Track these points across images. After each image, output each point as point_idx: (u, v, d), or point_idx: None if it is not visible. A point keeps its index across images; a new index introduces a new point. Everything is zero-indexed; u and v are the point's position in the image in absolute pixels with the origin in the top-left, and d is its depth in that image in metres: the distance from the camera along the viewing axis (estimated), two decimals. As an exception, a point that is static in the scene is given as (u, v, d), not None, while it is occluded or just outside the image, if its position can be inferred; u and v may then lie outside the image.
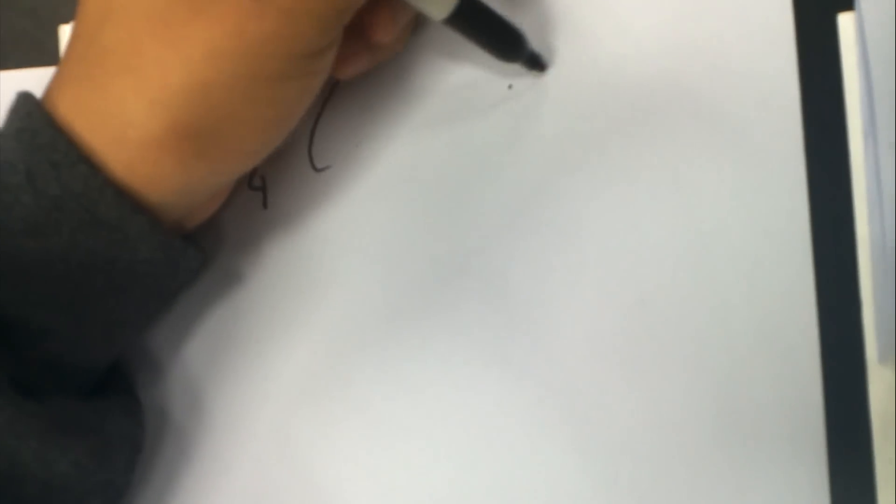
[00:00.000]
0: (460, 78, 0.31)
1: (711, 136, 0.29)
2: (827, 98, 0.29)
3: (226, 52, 0.24)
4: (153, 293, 0.28)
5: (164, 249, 0.27)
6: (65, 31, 0.33)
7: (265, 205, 0.32)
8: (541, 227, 0.30)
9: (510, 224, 0.30)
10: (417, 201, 0.31)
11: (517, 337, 0.30)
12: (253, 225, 0.32)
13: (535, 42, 0.30)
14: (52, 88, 0.26)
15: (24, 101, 0.26)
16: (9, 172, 0.25)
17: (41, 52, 0.34)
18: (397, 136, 0.31)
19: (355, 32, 0.27)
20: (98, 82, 0.25)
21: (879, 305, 0.28)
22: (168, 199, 0.26)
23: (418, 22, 0.31)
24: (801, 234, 0.29)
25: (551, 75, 0.31)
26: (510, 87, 0.31)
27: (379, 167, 0.31)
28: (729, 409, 0.28)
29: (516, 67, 0.30)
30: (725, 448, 0.28)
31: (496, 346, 0.30)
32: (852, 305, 0.29)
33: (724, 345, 0.28)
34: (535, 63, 0.30)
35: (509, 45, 0.30)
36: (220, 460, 0.31)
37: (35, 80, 0.32)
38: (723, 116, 0.29)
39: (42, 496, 0.25)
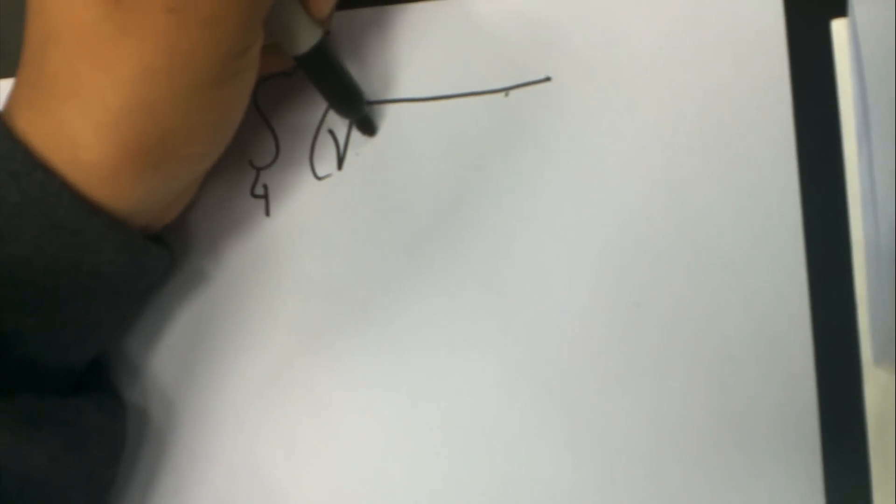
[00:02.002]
0: (456, 86, 0.32)
1: (705, 141, 0.30)
2: (820, 102, 0.30)
3: (158, 67, 0.25)
4: (122, 294, 0.29)
5: (127, 250, 0.27)
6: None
7: (268, 213, 0.32)
8: (537, 230, 0.30)
9: (506, 227, 0.30)
10: (416, 208, 0.31)
11: (513, 339, 0.30)
12: (256, 232, 0.33)
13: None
14: (8, 109, 0.27)
15: None
16: None
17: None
18: (393, 145, 0.32)
19: None
20: (47, 109, 0.26)
21: (874, 307, 0.28)
22: (130, 208, 0.27)
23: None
24: (795, 236, 0.29)
25: (548, 84, 0.31)
26: (506, 94, 0.31)
27: (377, 176, 0.32)
28: (723, 410, 0.28)
29: (513, 75, 0.31)
30: (720, 448, 0.28)
31: (493, 347, 0.30)
32: (847, 307, 0.29)
33: (718, 347, 0.29)
34: (366, 125, 0.32)
35: (347, 102, 0.31)
36: (195, 459, 0.31)
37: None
38: (716, 121, 0.30)
39: (22, 490, 0.26)
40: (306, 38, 0.29)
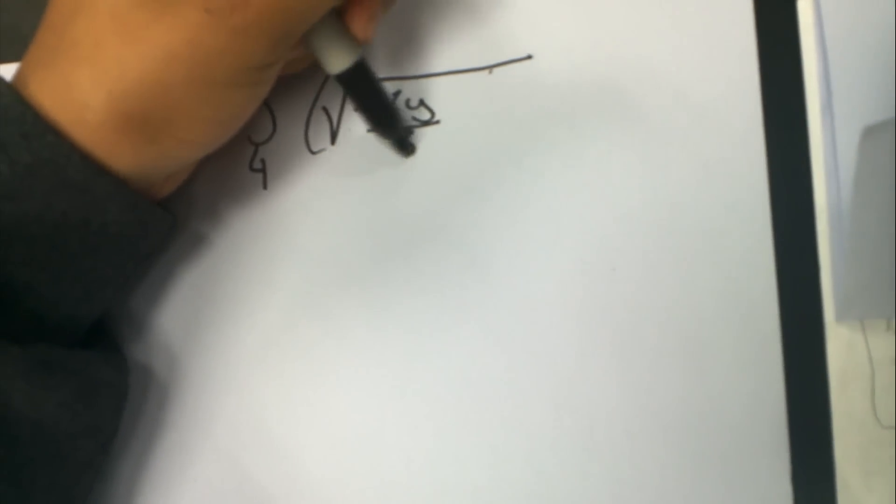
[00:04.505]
0: (443, 64, 0.33)
1: (678, 113, 0.31)
2: (786, 77, 0.31)
3: (181, 56, 0.26)
4: (127, 254, 0.30)
5: (132, 210, 0.29)
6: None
7: (265, 186, 0.34)
8: (518, 199, 0.32)
9: (489, 197, 0.32)
10: (404, 180, 0.33)
11: (496, 302, 0.31)
12: (255, 203, 0.34)
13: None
14: (22, 70, 0.29)
15: None
16: None
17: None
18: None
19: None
20: (62, 70, 0.27)
21: (836, 269, 0.30)
22: (127, 172, 0.28)
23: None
24: (762, 202, 0.31)
25: (530, 64, 0.33)
26: (490, 72, 0.33)
27: (369, 150, 0.34)
28: (695, 368, 0.30)
29: (496, 53, 0.33)
30: (692, 400, 0.30)
31: (477, 309, 0.32)
32: (811, 269, 0.30)
33: (689, 308, 0.30)
34: (403, 146, 0.33)
35: (383, 121, 0.31)
36: (197, 416, 0.33)
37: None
38: (688, 95, 0.31)
39: (34, 437, 0.27)
40: (346, 57, 0.29)
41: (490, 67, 0.33)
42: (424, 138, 0.33)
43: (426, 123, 0.33)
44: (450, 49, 0.32)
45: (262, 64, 0.27)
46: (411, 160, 0.33)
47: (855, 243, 0.28)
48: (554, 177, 0.32)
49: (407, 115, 0.33)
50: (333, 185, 0.33)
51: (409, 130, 0.33)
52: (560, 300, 0.31)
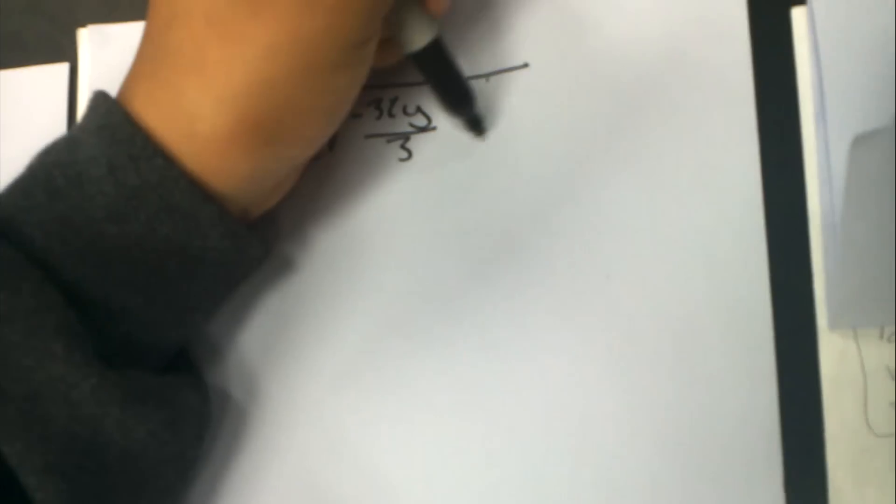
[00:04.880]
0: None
1: (673, 123, 0.32)
2: (781, 84, 0.32)
3: (283, 47, 0.26)
4: (220, 280, 0.30)
5: (231, 238, 0.28)
6: (82, 35, 0.36)
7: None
8: (512, 204, 0.32)
9: (484, 203, 0.32)
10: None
11: (492, 310, 0.32)
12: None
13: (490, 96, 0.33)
14: (126, 86, 0.28)
15: (103, 100, 0.28)
16: (93, 166, 0.27)
17: (60, 53, 0.37)
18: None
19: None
20: (167, 81, 0.27)
21: (829, 277, 0.30)
22: (235, 187, 0.28)
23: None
24: (756, 210, 0.31)
25: (528, 72, 0.33)
26: (487, 80, 0.33)
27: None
28: (689, 375, 0.30)
29: (494, 61, 0.33)
30: (685, 406, 0.30)
31: (472, 318, 0.32)
32: (804, 277, 0.31)
33: (684, 314, 0.31)
34: (476, 125, 0.33)
35: (459, 99, 0.32)
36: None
37: (50, 74, 0.36)
38: (684, 102, 0.32)
39: (123, 463, 0.27)
40: (423, 35, 0.29)
41: (487, 75, 0.33)
42: (421, 144, 0.33)
43: (423, 130, 0.33)
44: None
45: (360, 40, 0.27)
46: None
47: (847, 252, 0.28)
48: (548, 184, 0.32)
49: (404, 122, 0.33)
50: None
51: (481, 109, 0.33)
52: (554, 307, 0.31)
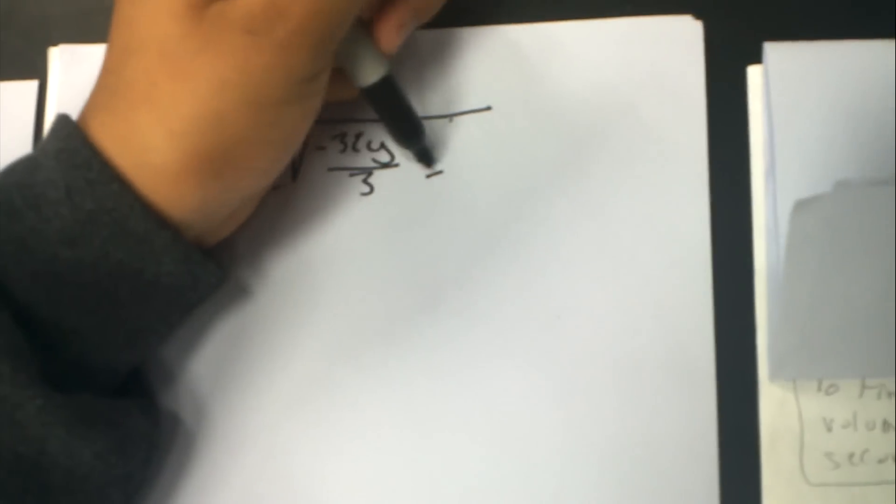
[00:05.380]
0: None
1: (626, 171, 0.33)
2: (733, 140, 0.33)
3: (231, 83, 0.26)
4: (175, 304, 0.30)
5: (185, 262, 0.29)
6: (53, 53, 0.36)
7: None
8: (468, 242, 0.33)
9: (441, 240, 0.33)
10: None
11: (444, 344, 0.32)
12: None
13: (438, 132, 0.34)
14: (86, 113, 0.29)
15: (64, 124, 0.28)
16: (50, 189, 0.27)
17: (32, 69, 0.37)
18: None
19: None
20: (122, 112, 0.28)
21: (772, 329, 0.31)
22: (188, 216, 0.28)
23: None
24: (704, 262, 0.32)
25: (490, 114, 0.34)
26: (450, 120, 0.34)
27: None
28: (633, 417, 0.31)
29: (457, 103, 0.34)
30: (626, 448, 0.31)
31: (423, 353, 0.32)
32: (747, 329, 0.32)
33: (630, 359, 0.31)
34: (425, 156, 0.33)
35: (408, 132, 0.32)
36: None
37: (18, 90, 0.36)
38: (639, 152, 0.33)
39: (66, 484, 0.27)
40: (374, 70, 0.30)
41: (451, 116, 0.34)
42: (383, 179, 0.34)
43: (386, 166, 0.34)
44: (413, 96, 0.33)
45: (310, 75, 0.28)
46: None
47: (787, 307, 0.29)
48: (503, 223, 0.33)
49: (367, 157, 0.34)
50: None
51: (429, 140, 0.33)
52: (504, 341, 0.32)
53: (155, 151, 0.27)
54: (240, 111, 0.27)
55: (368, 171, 0.34)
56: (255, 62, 0.26)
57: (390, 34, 0.30)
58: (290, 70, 0.27)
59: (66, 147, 0.28)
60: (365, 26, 0.30)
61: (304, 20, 0.26)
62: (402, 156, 0.34)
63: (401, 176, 0.34)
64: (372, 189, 0.34)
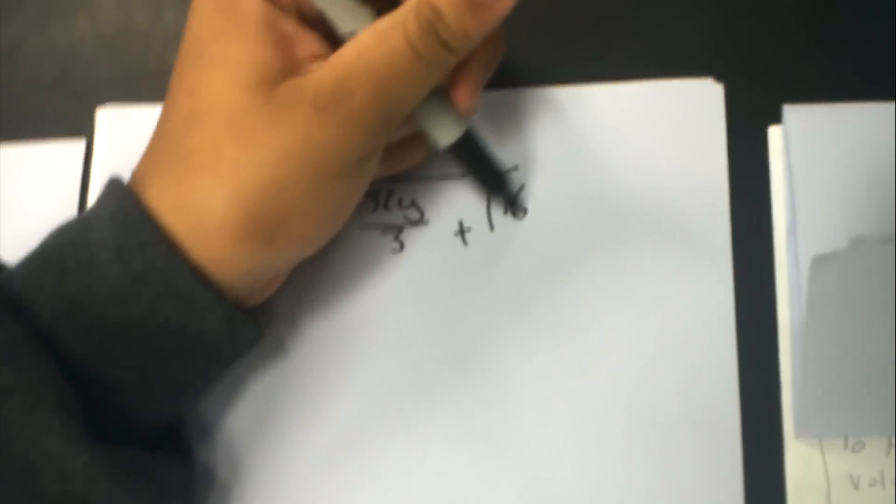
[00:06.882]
0: (432, 167, 0.35)
1: (651, 231, 0.33)
2: (755, 199, 0.34)
3: (294, 154, 0.28)
4: (215, 360, 0.31)
5: (227, 321, 0.30)
6: (101, 114, 0.38)
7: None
8: (499, 302, 0.34)
9: (471, 298, 0.34)
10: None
11: (472, 400, 0.33)
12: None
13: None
14: (140, 175, 0.30)
15: (117, 187, 0.30)
16: (102, 249, 0.28)
17: (80, 129, 0.38)
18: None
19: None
20: (183, 177, 0.28)
21: (796, 386, 0.31)
22: (235, 278, 0.30)
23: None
24: (728, 319, 0.32)
25: (517, 173, 0.35)
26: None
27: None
28: (657, 475, 0.31)
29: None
30: (652, 506, 0.31)
31: (460, 409, 0.33)
32: (772, 385, 0.32)
33: (654, 417, 0.32)
34: (514, 207, 0.34)
35: (493, 183, 0.34)
36: None
37: (66, 150, 0.37)
38: (661, 212, 0.34)
39: None
40: (453, 130, 0.31)
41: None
42: (414, 237, 0.35)
43: (416, 223, 0.35)
44: (443, 154, 0.35)
45: (365, 153, 0.29)
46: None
47: (810, 363, 0.29)
48: (530, 281, 0.34)
49: (399, 215, 0.35)
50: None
51: (519, 190, 0.34)
52: (532, 397, 0.33)
53: (212, 214, 0.28)
54: (299, 182, 0.28)
55: (399, 229, 0.35)
56: (319, 137, 0.28)
57: (467, 98, 0.31)
58: (351, 147, 0.28)
59: (120, 209, 0.29)
60: (439, 88, 0.30)
61: (367, 101, 0.27)
62: (434, 214, 0.35)
63: (431, 234, 0.35)
64: (402, 246, 0.35)
